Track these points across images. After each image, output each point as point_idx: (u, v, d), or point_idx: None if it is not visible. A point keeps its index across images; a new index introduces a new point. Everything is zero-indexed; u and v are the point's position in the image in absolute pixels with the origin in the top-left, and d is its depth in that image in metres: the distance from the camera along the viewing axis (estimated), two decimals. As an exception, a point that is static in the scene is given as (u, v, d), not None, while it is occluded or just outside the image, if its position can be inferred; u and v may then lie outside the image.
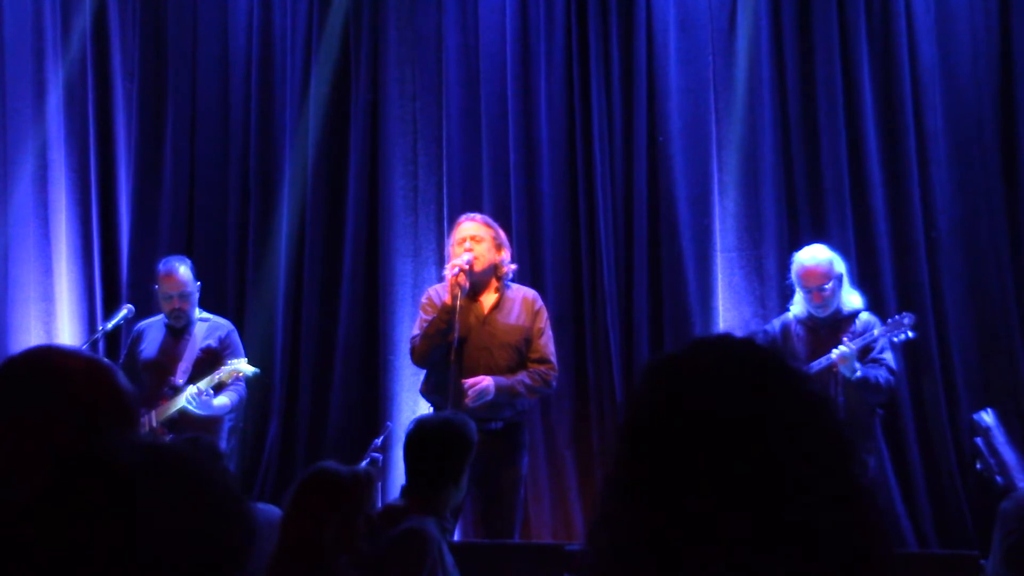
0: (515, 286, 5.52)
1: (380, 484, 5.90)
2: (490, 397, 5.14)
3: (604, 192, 6.62)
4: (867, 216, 6.44)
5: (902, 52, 6.48)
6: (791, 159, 6.56)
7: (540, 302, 5.49)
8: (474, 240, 5.37)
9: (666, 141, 6.62)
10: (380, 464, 5.38)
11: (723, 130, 6.60)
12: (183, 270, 5.94)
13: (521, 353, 5.34)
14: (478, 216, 5.57)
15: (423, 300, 5.52)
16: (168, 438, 5.51)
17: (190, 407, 5.63)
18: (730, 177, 6.57)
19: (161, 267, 6.00)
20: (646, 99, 6.65)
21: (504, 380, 5.21)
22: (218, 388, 5.76)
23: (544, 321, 5.41)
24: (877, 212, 6.43)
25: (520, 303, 5.41)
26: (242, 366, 5.76)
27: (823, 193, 6.50)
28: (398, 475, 5.43)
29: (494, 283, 5.42)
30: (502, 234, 5.52)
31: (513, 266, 5.53)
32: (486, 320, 5.34)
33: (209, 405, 5.68)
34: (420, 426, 3.84)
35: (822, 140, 6.51)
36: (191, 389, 5.63)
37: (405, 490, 3.74)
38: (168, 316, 5.97)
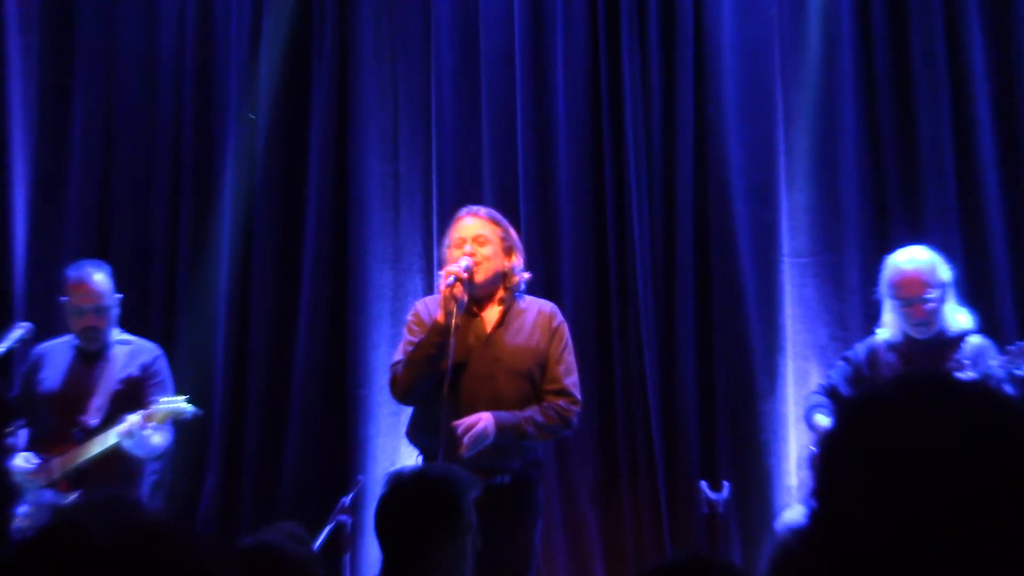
0: (528, 298, 5.05)
1: (348, 556, 5.36)
2: (489, 441, 4.68)
3: (638, 181, 6.20)
4: (977, 213, 5.98)
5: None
6: (879, 139, 6.10)
7: (560, 318, 5.01)
8: (477, 241, 4.92)
9: (717, 114, 6.21)
10: (349, 530, 4.93)
11: (791, 101, 6.16)
12: (99, 278, 5.54)
13: (534, 382, 4.87)
14: (483, 211, 5.10)
15: (408, 317, 5.08)
16: (74, 495, 5.28)
17: (126, 445, 5.30)
18: (800, 162, 6.14)
19: (71, 274, 5.58)
20: (692, 61, 6.24)
21: (507, 416, 4.74)
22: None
23: (564, 342, 4.95)
24: (991, 208, 5.96)
25: (533, 319, 4.95)
26: (182, 405, 5.37)
27: (920, 183, 6.04)
28: (373, 541, 4.98)
29: (500, 294, 4.96)
30: (513, 234, 5.06)
31: (526, 275, 5.04)
32: (489, 340, 4.88)
33: (147, 444, 5.35)
34: (388, 486, 3.53)
35: (919, 115, 6.04)
36: (132, 419, 5.24)
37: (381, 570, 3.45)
38: (79, 336, 5.54)
